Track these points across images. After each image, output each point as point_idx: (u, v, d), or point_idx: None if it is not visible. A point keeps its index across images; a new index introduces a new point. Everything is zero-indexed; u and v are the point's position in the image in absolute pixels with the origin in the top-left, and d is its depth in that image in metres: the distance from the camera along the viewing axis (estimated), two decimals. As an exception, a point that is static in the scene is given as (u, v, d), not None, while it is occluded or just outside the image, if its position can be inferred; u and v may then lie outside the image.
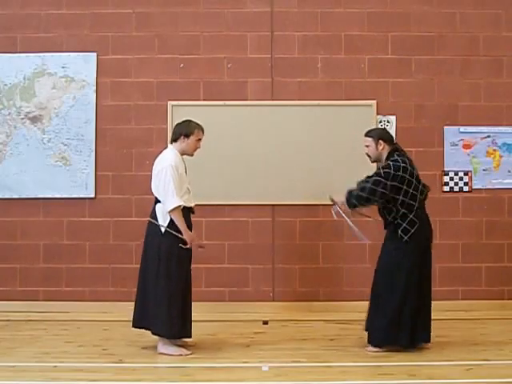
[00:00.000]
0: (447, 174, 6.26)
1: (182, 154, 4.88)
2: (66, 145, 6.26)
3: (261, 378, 4.18)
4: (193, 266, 6.16)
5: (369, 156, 4.91)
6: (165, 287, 4.69)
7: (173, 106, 6.23)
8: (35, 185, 6.23)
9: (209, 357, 4.66)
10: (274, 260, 6.24)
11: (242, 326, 5.63)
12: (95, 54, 6.27)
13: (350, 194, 4.70)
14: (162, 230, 4.71)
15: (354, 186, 4.74)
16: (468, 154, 6.29)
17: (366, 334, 4.80)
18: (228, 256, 6.24)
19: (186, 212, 4.81)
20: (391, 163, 4.69)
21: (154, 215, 4.77)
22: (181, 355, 4.66)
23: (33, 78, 6.27)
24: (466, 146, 6.29)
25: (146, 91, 6.28)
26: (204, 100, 6.27)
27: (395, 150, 4.83)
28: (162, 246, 4.73)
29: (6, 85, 6.28)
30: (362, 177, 4.78)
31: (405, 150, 5.98)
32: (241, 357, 4.64)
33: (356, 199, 4.67)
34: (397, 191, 4.67)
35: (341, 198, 4.77)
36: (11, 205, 6.25)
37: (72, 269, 6.23)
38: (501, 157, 6.30)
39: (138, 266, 6.21)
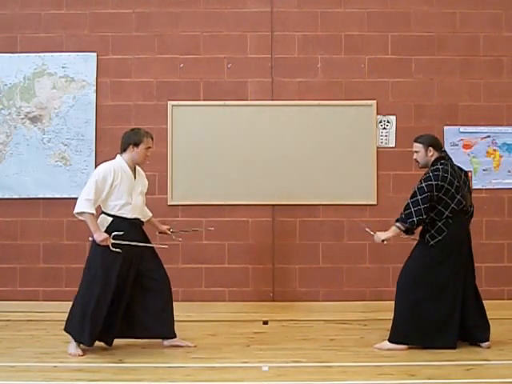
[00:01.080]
0: (447, 174, 6.25)
1: (133, 164, 4.83)
2: (66, 145, 6.26)
3: (261, 377, 4.18)
4: (193, 265, 6.20)
5: (417, 161, 4.96)
6: (80, 290, 4.80)
7: (173, 105, 6.23)
8: (35, 185, 6.23)
9: (209, 357, 4.66)
10: (274, 260, 6.24)
11: (242, 326, 5.63)
12: (95, 53, 6.27)
13: (405, 225, 4.73)
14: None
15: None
16: (468, 154, 6.29)
17: None
18: (228, 256, 6.24)
19: (128, 224, 4.75)
20: (431, 174, 4.75)
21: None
22: (75, 355, 4.65)
23: (33, 78, 6.27)
24: (466, 146, 6.29)
25: (146, 91, 6.28)
26: (204, 100, 6.27)
27: (442, 158, 4.87)
28: (90, 251, 4.80)
29: (5, 85, 6.28)
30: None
31: (405, 150, 6.03)
32: (241, 357, 4.64)
33: (411, 226, 4.72)
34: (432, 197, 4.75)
35: (382, 234, 4.84)
36: (11, 205, 6.25)
37: (72, 269, 6.21)
38: (501, 157, 6.30)
39: (138, 265, 6.25)
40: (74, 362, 4.50)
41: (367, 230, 4.94)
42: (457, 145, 6.27)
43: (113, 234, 4.64)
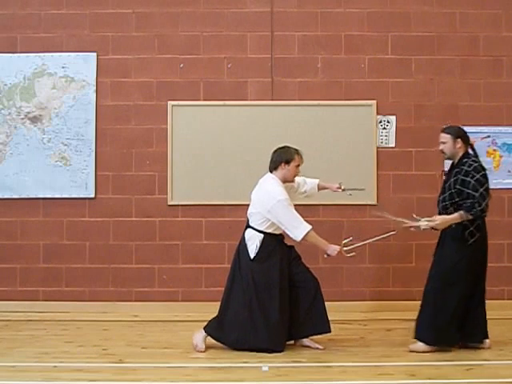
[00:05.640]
0: (447, 174, 6.26)
1: (284, 181, 4.94)
2: (66, 145, 6.26)
3: (261, 378, 4.18)
4: (193, 265, 6.20)
5: (443, 153, 4.92)
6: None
7: (173, 106, 6.23)
8: (35, 185, 6.23)
9: (209, 357, 4.66)
10: (274, 260, 6.22)
11: (242, 326, 5.61)
12: (95, 53, 6.27)
13: (474, 215, 4.62)
14: None
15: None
16: (468, 154, 6.28)
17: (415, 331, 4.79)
18: (228, 256, 6.21)
19: (275, 240, 4.91)
20: (477, 165, 4.71)
21: None
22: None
23: (33, 78, 6.27)
24: (466, 146, 6.28)
25: (146, 91, 6.28)
26: (204, 100, 6.27)
27: (471, 149, 4.87)
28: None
29: (5, 85, 6.28)
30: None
31: (405, 150, 6.03)
32: (241, 357, 4.63)
33: (481, 215, 4.65)
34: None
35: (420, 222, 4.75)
36: (11, 205, 6.25)
37: (72, 269, 6.23)
38: (501, 157, 6.30)
39: (138, 265, 6.26)
40: (74, 362, 4.50)
41: (414, 216, 4.76)
42: (457, 145, 6.27)
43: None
